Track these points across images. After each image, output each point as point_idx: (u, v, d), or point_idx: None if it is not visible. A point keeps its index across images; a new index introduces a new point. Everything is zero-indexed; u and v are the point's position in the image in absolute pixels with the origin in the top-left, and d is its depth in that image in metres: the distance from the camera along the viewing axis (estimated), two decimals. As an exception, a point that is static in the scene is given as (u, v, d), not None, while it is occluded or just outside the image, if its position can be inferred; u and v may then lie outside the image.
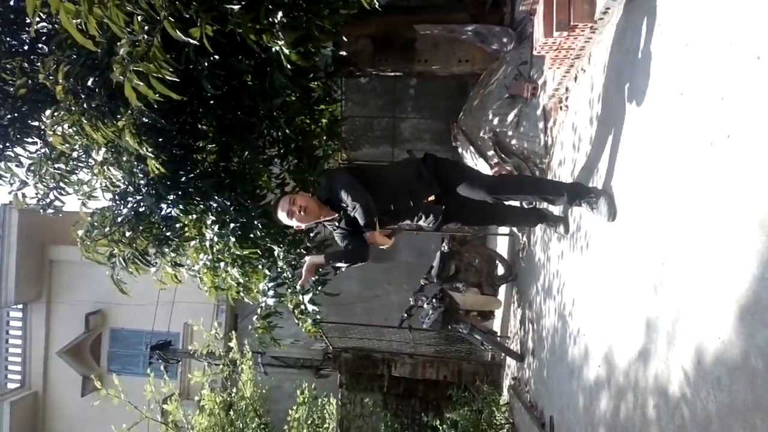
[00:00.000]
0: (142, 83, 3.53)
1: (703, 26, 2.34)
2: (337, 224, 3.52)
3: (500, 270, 7.40)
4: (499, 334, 7.34)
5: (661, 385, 2.34)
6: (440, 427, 6.63)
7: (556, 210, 4.32)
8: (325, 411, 9.10)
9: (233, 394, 8.59)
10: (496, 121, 6.69)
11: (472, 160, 7.40)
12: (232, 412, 8.39)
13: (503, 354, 7.11)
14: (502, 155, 6.66)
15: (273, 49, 4.28)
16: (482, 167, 7.05)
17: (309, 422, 8.76)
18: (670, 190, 2.47)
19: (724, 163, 2.04)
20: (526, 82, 6.17)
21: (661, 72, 2.76)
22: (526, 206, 4.38)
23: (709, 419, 1.93)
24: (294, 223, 3.47)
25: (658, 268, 2.49)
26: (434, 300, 6.25)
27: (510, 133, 6.45)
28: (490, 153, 6.83)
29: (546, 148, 5.84)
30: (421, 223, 3.69)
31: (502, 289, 7.79)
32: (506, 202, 3.99)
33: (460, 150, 8.05)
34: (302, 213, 3.39)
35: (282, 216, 3.49)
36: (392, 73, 9.16)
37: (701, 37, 2.34)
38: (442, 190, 3.59)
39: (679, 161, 2.42)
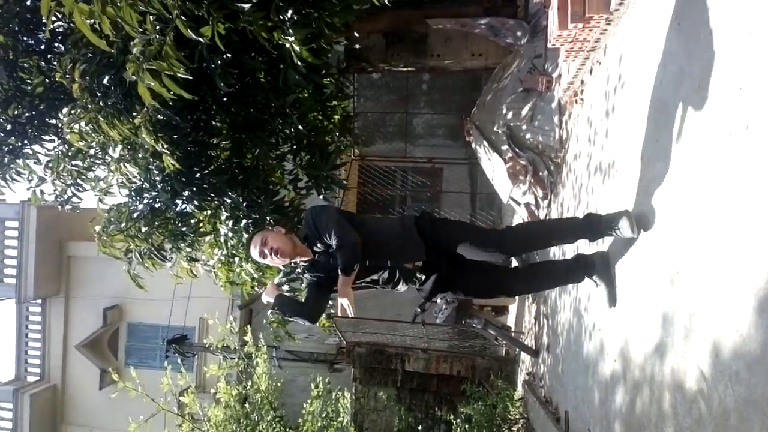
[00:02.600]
0: (155, 82, 3.56)
1: (720, 16, 2.32)
2: (307, 267, 3.23)
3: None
4: (513, 329, 7.32)
5: (677, 380, 2.32)
6: (454, 422, 6.64)
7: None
8: (339, 405, 9.14)
9: (248, 387, 8.65)
10: (510, 115, 6.66)
11: (485, 155, 7.38)
12: (247, 405, 8.45)
13: (517, 349, 7.10)
14: (517, 150, 6.63)
15: (285, 46, 4.30)
16: (496, 162, 7.03)
17: (323, 416, 8.79)
18: (688, 182, 2.45)
19: (743, 154, 2.02)
20: (540, 75, 6.14)
21: (677, 63, 2.74)
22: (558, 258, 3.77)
23: (727, 413, 1.92)
24: (267, 262, 3.21)
25: (675, 260, 2.47)
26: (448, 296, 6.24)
27: (524, 127, 6.43)
28: (504, 147, 6.80)
29: (561, 142, 5.81)
30: (400, 288, 3.35)
31: (517, 284, 7.76)
32: (531, 263, 3.60)
33: (473, 145, 8.03)
34: (274, 256, 3.06)
35: (254, 254, 3.17)
36: (405, 69, 9.14)
37: (719, 27, 2.32)
38: (435, 255, 3.19)
39: (696, 153, 2.40)
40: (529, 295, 6.98)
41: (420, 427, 7.87)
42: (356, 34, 6.66)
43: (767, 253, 1.77)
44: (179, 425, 8.36)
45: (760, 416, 1.72)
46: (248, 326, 9.62)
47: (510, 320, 8.02)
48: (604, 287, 3.26)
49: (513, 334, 6.96)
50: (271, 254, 3.05)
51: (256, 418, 8.31)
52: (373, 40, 8.38)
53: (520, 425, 5.97)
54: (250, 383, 8.74)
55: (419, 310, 6.89)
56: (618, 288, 3.22)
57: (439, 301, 6.37)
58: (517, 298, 7.61)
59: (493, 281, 3.46)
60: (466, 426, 6.36)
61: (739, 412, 1.84)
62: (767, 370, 1.71)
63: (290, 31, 4.05)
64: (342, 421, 8.95)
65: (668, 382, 2.42)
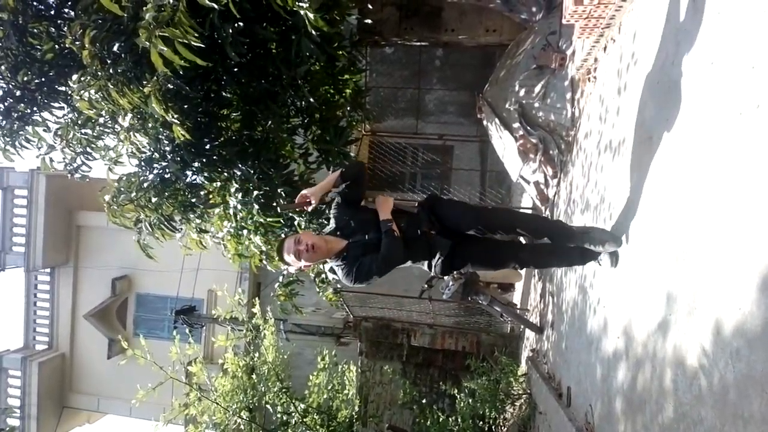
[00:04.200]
0: (167, 49, 3.54)
1: (736, -8, 2.28)
2: (346, 254, 3.25)
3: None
4: (518, 306, 7.35)
5: (679, 356, 2.33)
6: (458, 396, 6.70)
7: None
8: (345, 378, 9.24)
9: (256, 359, 8.75)
10: (522, 92, 6.60)
11: (496, 132, 7.34)
12: (254, 376, 8.56)
13: (522, 326, 7.13)
14: (528, 128, 6.58)
15: (299, 14, 4.26)
16: (507, 140, 6.98)
17: (329, 388, 8.90)
18: (696, 159, 2.44)
19: (753, 133, 2.00)
20: (554, 53, 6.07)
21: (691, 41, 2.70)
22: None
23: (726, 389, 1.93)
24: (302, 264, 3.21)
25: (680, 239, 2.47)
26: (455, 272, 6.24)
27: (536, 104, 6.37)
28: (516, 125, 6.76)
29: (572, 120, 5.76)
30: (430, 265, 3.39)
31: (524, 263, 7.75)
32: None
33: (484, 122, 7.97)
34: (310, 252, 3.12)
35: (289, 259, 3.21)
36: (418, 43, 9.05)
37: (733, 4, 2.28)
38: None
39: (707, 131, 2.38)
40: (535, 272, 6.99)
41: (424, 401, 7.95)
42: (370, 7, 6.57)
43: (774, 230, 1.77)
44: (186, 394, 8.48)
45: (759, 392, 1.73)
46: (256, 299, 9.71)
47: (516, 298, 8.04)
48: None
49: (518, 311, 6.99)
50: (306, 251, 3.10)
51: (263, 388, 8.42)
52: (387, 13, 8.30)
53: (523, 400, 6.02)
54: (257, 355, 8.84)
55: (426, 285, 6.92)
56: (623, 262, 3.22)
57: (446, 277, 6.39)
58: (523, 275, 7.62)
59: (499, 251, 3.48)
60: (470, 400, 6.42)
61: (739, 388, 1.85)
62: (767, 347, 1.71)
63: (305, -2, 4.03)
64: (348, 393, 9.06)
65: (670, 359, 2.43)
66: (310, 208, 3.31)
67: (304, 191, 3.26)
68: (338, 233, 3.32)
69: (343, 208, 3.34)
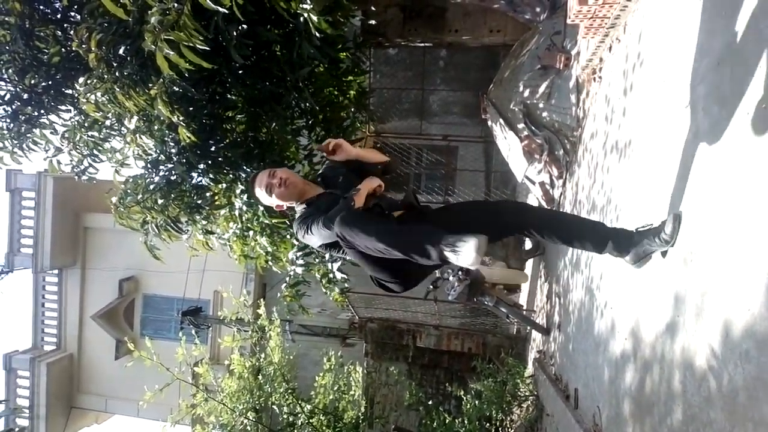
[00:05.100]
0: (173, 52, 3.55)
1: (743, -8, 2.27)
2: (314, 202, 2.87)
3: (528, 244, 7.36)
4: (525, 307, 7.33)
5: (688, 358, 2.32)
6: (464, 398, 6.69)
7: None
8: (351, 379, 9.24)
9: (262, 360, 8.77)
10: (527, 92, 6.59)
11: (501, 133, 7.33)
12: (260, 377, 8.57)
13: (529, 327, 7.12)
14: (533, 128, 6.57)
15: (301, 18, 4.27)
16: (512, 140, 6.97)
17: (335, 389, 8.91)
18: (704, 161, 2.43)
19: (760, 133, 1.99)
20: (558, 53, 6.06)
21: (697, 41, 2.69)
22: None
23: (736, 391, 1.92)
24: (273, 201, 2.91)
25: (689, 240, 2.45)
26: (460, 272, 6.25)
27: (541, 105, 6.36)
28: (520, 126, 6.75)
29: (578, 121, 5.74)
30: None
31: (530, 263, 7.76)
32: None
33: (489, 123, 7.96)
34: (282, 187, 2.82)
35: (260, 193, 2.92)
36: (422, 44, 9.05)
37: (739, 4, 2.27)
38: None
39: (713, 131, 2.37)
40: (542, 273, 6.98)
41: (430, 402, 7.95)
42: (373, 9, 6.57)
43: (783, 232, 1.76)
44: (193, 395, 8.49)
45: (769, 395, 1.72)
46: (262, 300, 9.72)
47: (522, 299, 8.02)
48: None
49: (524, 312, 6.97)
50: (279, 185, 2.82)
51: (269, 389, 8.43)
52: (391, 14, 8.30)
53: (529, 402, 6.00)
54: (263, 356, 8.85)
55: (431, 286, 6.92)
56: (629, 266, 3.20)
57: (451, 278, 6.39)
58: (529, 276, 7.60)
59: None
60: (476, 402, 6.41)
61: (748, 390, 1.84)
62: (778, 349, 1.71)
63: (308, 0, 4.03)
64: (353, 394, 9.07)
65: (678, 361, 2.42)
66: (331, 156, 2.92)
67: (341, 141, 2.92)
68: (319, 180, 3.05)
69: (343, 165, 3.00)
